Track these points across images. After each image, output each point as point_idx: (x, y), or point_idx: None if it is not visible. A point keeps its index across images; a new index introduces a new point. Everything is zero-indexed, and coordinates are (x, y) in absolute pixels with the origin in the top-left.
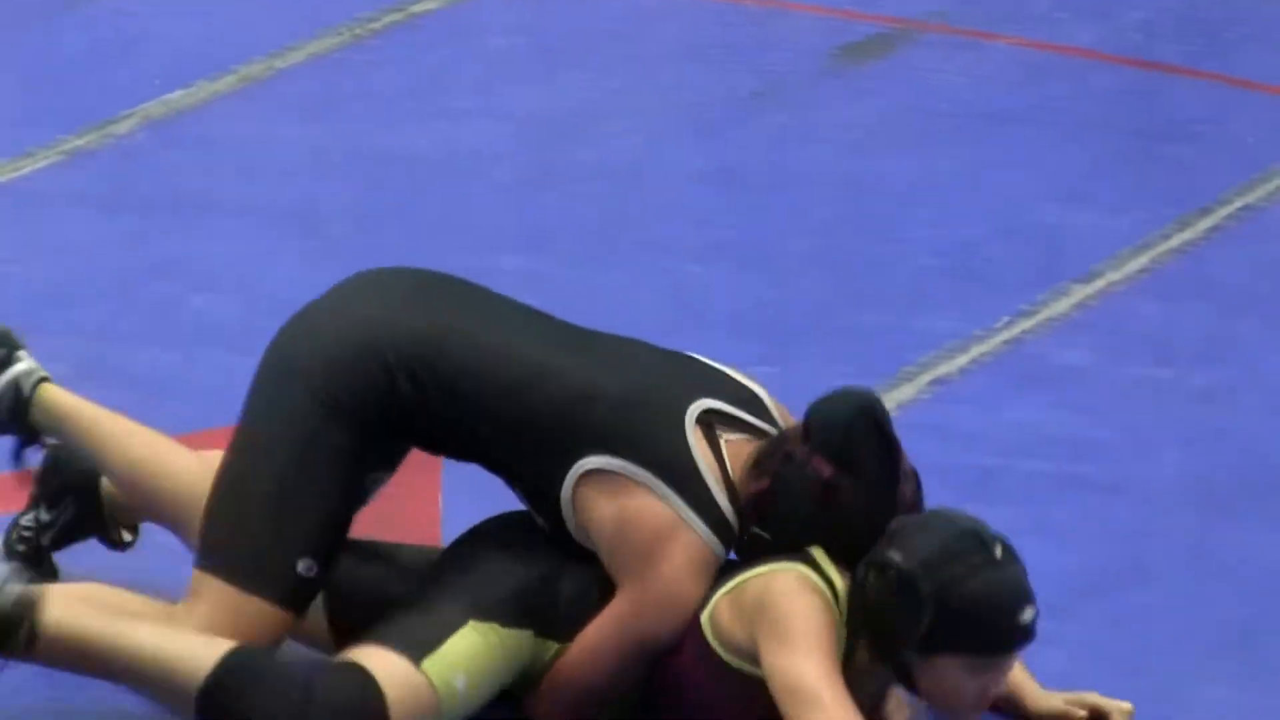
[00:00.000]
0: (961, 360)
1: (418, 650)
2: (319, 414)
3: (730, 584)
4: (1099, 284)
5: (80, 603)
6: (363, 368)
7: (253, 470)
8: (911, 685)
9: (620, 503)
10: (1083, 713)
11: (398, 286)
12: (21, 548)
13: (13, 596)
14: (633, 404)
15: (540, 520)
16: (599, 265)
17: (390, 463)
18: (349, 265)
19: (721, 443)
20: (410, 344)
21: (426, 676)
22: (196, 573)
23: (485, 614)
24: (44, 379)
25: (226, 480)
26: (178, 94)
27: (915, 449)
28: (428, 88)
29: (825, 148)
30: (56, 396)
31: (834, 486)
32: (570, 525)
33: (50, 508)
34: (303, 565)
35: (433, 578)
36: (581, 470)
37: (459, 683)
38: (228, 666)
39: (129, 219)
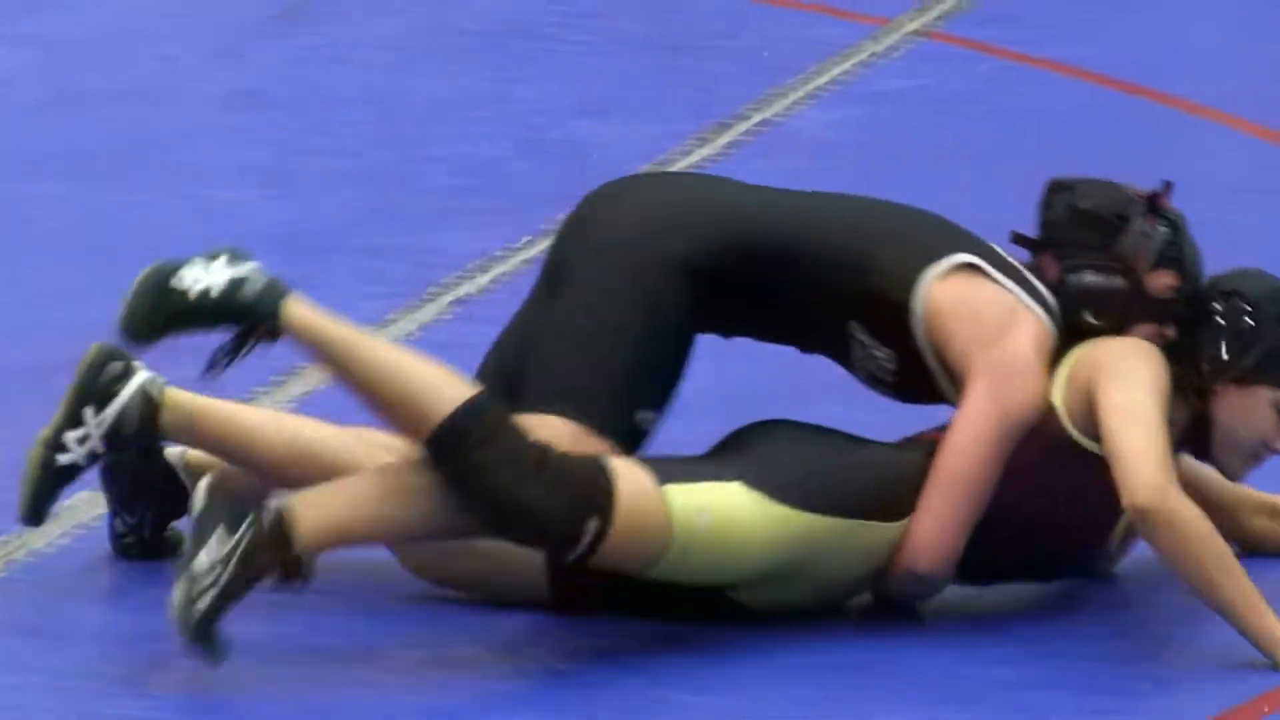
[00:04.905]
0: (483, 280)
1: (664, 477)
2: (664, 275)
3: (1070, 358)
4: None
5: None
6: (714, 234)
7: (599, 323)
8: (1205, 429)
9: (969, 296)
10: None
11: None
12: (135, 551)
13: (260, 284)
14: (947, 223)
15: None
16: (129, 188)
17: (719, 327)
18: None
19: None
20: (748, 215)
21: (664, 496)
22: (536, 416)
23: (756, 483)
24: (166, 383)
25: (571, 331)
26: None
27: None
28: None
29: (351, 67)
30: (186, 397)
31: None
32: (919, 334)
33: (129, 513)
34: (639, 416)
35: (709, 454)
36: (936, 271)
37: (700, 520)
38: (471, 411)
39: None
